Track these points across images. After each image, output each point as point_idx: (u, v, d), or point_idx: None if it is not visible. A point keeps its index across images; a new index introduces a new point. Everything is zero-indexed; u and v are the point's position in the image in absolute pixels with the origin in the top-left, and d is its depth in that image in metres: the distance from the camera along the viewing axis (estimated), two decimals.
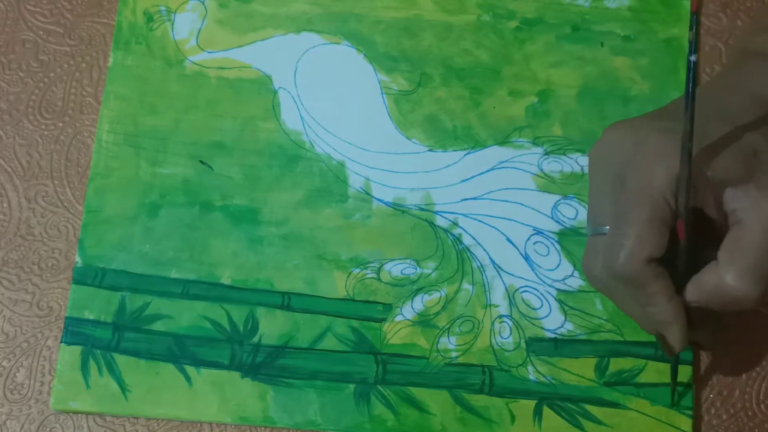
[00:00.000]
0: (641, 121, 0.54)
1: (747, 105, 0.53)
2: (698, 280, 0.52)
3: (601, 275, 0.54)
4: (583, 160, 0.64)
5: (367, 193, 0.63)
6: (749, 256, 0.50)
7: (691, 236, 0.51)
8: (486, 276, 0.62)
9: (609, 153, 0.54)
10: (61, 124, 0.65)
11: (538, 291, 0.62)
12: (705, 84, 0.56)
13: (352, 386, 0.60)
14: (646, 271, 0.51)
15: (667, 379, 0.60)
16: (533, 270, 0.62)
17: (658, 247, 0.51)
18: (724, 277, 0.50)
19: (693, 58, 0.47)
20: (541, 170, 0.64)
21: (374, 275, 0.62)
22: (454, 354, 0.61)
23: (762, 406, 0.61)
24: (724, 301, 0.51)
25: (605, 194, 0.54)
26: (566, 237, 0.63)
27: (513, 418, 0.60)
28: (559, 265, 0.62)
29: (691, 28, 0.47)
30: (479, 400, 0.60)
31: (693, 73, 0.47)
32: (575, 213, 0.63)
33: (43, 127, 0.65)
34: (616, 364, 0.61)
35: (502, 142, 0.64)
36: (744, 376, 0.61)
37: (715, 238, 0.52)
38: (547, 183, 0.64)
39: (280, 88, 0.65)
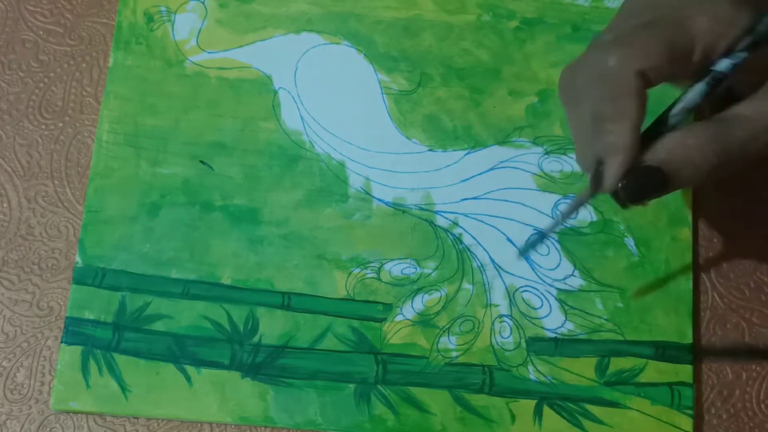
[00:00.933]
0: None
1: None
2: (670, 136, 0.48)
3: (577, 74, 0.50)
4: None
5: (367, 193, 0.63)
6: (727, 132, 0.47)
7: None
8: (486, 276, 0.62)
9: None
10: (61, 124, 0.65)
11: (538, 290, 0.62)
12: None
13: (352, 386, 0.60)
14: (633, 81, 0.47)
15: (668, 379, 0.60)
16: (533, 270, 0.62)
17: (657, 67, 0.47)
18: (694, 135, 0.48)
19: None
20: (542, 170, 0.64)
21: (374, 275, 0.62)
22: (454, 354, 0.61)
23: (762, 406, 0.61)
24: (682, 159, 0.48)
25: (631, 14, 0.50)
26: (566, 237, 0.63)
27: (513, 417, 0.60)
28: (559, 264, 0.62)
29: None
30: (479, 400, 0.60)
31: None
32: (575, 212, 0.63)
33: (43, 127, 0.65)
34: (616, 364, 0.61)
35: (503, 141, 0.64)
36: (744, 376, 0.61)
37: None
38: (548, 183, 0.64)
39: (280, 88, 0.65)
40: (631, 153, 0.48)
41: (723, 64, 0.47)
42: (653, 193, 0.49)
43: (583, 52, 0.51)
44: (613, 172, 0.48)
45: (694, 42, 0.47)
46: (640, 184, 0.49)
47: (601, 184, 0.49)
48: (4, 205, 0.64)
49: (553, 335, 0.61)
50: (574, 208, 0.53)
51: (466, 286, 0.62)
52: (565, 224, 0.59)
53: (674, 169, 0.48)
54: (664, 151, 0.48)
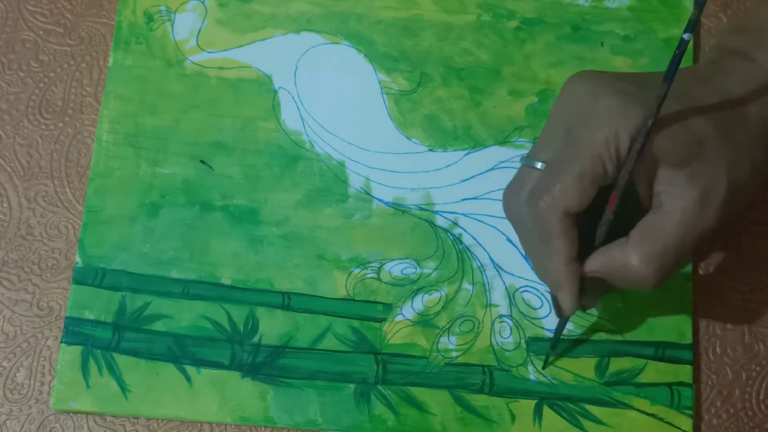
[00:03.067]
0: (605, 76, 0.54)
1: (713, 96, 0.53)
2: (604, 253, 0.53)
3: (519, 208, 0.54)
4: None
5: (367, 193, 0.63)
6: (660, 242, 0.51)
7: (617, 210, 0.52)
8: (486, 276, 0.62)
9: (567, 99, 0.54)
10: (61, 124, 0.65)
11: (538, 291, 0.62)
12: (680, 71, 0.56)
13: (352, 386, 0.60)
14: (559, 223, 0.51)
15: (667, 379, 0.60)
16: (533, 270, 0.62)
17: (579, 204, 0.51)
18: (630, 257, 0.51)
19: (687, 36, 0.47)
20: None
21: (374, 275, 0.62)
22: (454, 354, 0.61)
23: (762, 406, 0.61)
24: (624, 279, 0.52)
25: (553, 136, 0.54)
26: None
27: (513, 417, 0.60)
28: None
29: (696, 6, 0.47)
30: (479, 400, 0.60)
31: (681, 50, 0.48)
32: None
33: (43, 127, 0.65)
34: (616, 364, 0.61)
35: (503, 141, 0.64)
36: (744, 376, 0.61)
37: (635, 213, 0.53)
38: None
39: (280, 88, 0.65)
40: (572, 285, 0.53)
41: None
42: (600, 293, 0.57)
43: (517, 173, 0.56)
44: (566, 304, 0.54)
45: (603, 164, 0.51)
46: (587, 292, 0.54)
47: (563, 312, 0.55)
48: (4, 205, 0.64)
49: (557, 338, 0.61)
50: (558, 334, 0.59)
51: (466, 286, 0.62)
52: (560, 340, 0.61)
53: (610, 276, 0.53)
54: (598, 263, 0.53)
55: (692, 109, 0.52)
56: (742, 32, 0.59)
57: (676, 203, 0.51)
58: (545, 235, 0.52)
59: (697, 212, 0.51)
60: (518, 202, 0.54)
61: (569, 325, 0.61)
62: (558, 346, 0.60)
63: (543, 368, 0.60)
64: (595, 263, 0.53)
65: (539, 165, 0.54)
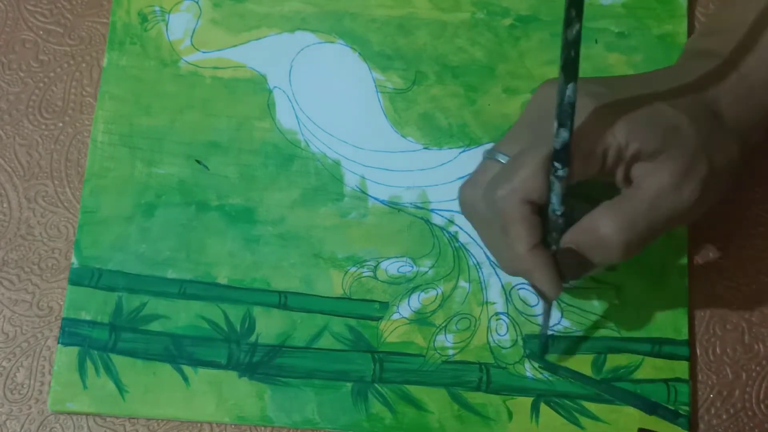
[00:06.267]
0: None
1: (686, 91, 0.54)
2: (575, 224, 0.52)
3: (477, 201, 0.54)
4: None
5: (363, 192, 0.63)
6: (629, 212, 0.51)
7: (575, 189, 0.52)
8: (482, 273, 0.62)
9: (536, 101, 0.55)
10: (61, 124, 0.66)
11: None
12: (653, 71, 0.57)
13: (349, 385, 0.60)
14: (518, 209, 0.51)
15: (664, 375, 0.60)
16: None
17: (539, 192, 0.50)
18: (598, 222, 0.51)
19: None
20: None
21: (371, 273, 0.62)
22: (451, 352, 0.61)
23: (762, 406, 0.60)
24: (593, 247, 0.51)
25: (518, 132, 0.54)
26: None
27: (510, 415, 0.60)
28: None
29: None
30: (476, 398, 0.60)
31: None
32: None
33: (43, 127, 0.66)
34: (612, 361, 0.61)
35: (498, 139, 0.64)
36: (744, 376, 0.61)
37: None
38: None
39: (275, 87, 0.65)
40: (542, 269, 0.52)
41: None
42: (581, 272, 0.53)
43: (478, 167, 0.56)
44: (545, 288, 0.53)
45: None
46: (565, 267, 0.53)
47: (547, 297, 0.56)
48: (4, 205, 0.64)
49: (550, 332, 0.61)
50: (546, 319, 0.59)
51: (463, 284, 0.62)
52: (551, 330, 0.61)
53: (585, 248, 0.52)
54: (568, 234, 0.52)
55: (666, 102, 0.52)
56: (710, 34, 0.59)
57: (652, 182, 0.51)
58: (504, 222, 0.51)
59: (672, 191, 0.51)
60: (475, 195, 0.54)
61: (566, 322, 0.61)
62: (549, 345, 0.61)
63: (540, 358, 0.60)
64: (566, 235, 0.52)
65: (501, 158, 0.53)
